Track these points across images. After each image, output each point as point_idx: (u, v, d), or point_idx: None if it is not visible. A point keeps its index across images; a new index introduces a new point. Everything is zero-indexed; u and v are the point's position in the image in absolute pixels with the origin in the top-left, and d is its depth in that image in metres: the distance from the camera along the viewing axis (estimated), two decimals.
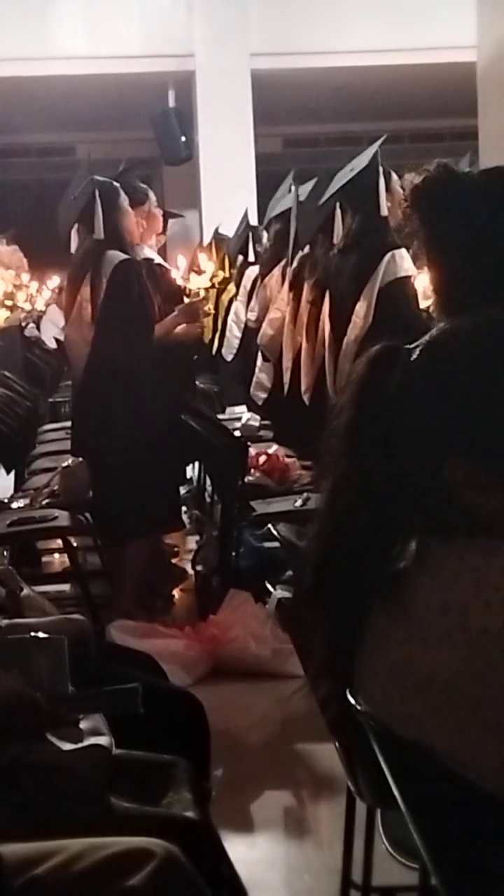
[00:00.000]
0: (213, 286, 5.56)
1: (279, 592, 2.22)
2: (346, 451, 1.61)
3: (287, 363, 5.67)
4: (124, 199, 5.18)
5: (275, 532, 2.76)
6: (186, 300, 5.33)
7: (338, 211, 5.06)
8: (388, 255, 4.67)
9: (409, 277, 4.65)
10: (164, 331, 5.13)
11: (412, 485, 1.60)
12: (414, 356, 1.64)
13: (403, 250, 4.73)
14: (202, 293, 5.37)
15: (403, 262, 4.69)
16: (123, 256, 5.07)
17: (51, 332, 10.84)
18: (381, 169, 4.79)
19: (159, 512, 5.26)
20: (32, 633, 2.37)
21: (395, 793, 1.69)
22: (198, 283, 5.45)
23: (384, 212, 4.78)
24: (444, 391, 1.60)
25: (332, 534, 1.61)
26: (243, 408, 7.12)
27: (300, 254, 5.61)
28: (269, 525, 2.81)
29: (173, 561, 6.15)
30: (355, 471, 1.60)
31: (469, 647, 1.50)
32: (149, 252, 5.39)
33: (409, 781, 1.63)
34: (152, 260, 5.37)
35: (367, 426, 1.61)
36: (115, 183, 5.25)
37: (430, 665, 1.53)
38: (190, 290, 5.49)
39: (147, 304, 5.10)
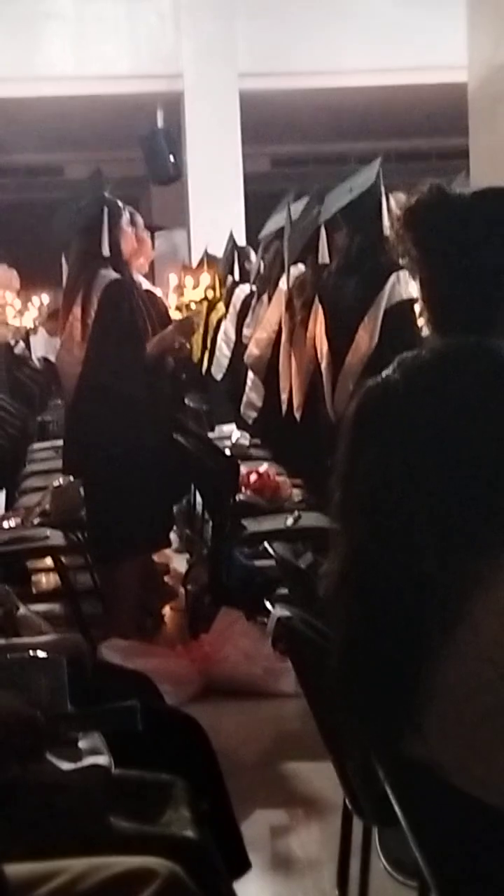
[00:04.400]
0: (205, 299, 5.55)
1: (278, 611, 2.23)
2: (357, 517, 1.65)
3: (284, 383, 5.68)
4: (126, 220, 5.20)
5: (270, 550, 2.77)
6: (176, 318, 5.34)
7: (323, 231, 5.08)
8: (393, 277, 4.69)
9: (413, 300, 4.68)
10: (158, 347, 5.14)
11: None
12: (399, 388, 1.70)
13: (406, 271, 4.75)
14: (194, 306, 5.36)
15: (408, 284, 4.72)
16: (115, 276, 5.08)
17: (39, 350, 10.86)
18: (384, 189, 4.79)
19: (151, 531, 5.26)
20: (31, 653, 2.37)
21: (398, 810, 1.70)
22: (191, 296, 5.43)
23: (387, 232, 4.80)
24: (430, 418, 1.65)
25: (361, 621, 1.65)
26: (232, 426, 7.13)
27: (297, 273, 5.63)
28: (265, 543, 2.81)
29: (163, 580, 6.15)
30: (372, 530, 1.64)
31: (477, 658, 1.52)
32: (138, 277, 5.39)
33: (413, 799, 1.64)
34: (141, 285, 5.37)
35: (372, 478, 1.66)
36: (120, 203, 5.26)
37: (437, 679, 1.55)
38: (182, 305, 5.49)
39: (138, 323, 5.10)
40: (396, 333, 4.59)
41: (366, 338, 4.73)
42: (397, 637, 1.64)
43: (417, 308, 4.61)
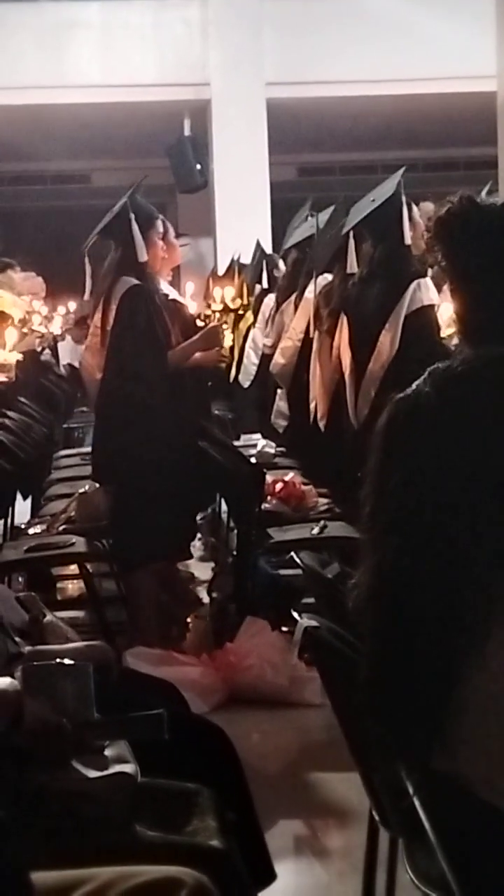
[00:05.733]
0: (230, 310, 5.55)
1: (305, 621, 2.23)
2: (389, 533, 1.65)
3: (314, 392, 5.69)
4: (157, 231, 5.21)
5: (298, 560, 2.76)
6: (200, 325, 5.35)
7: (351, 240, 5.10)
8: (413, 284, 4.72)
9: (433, 305, 4.69)
10: (183, 356, 5.14)
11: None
12: (431, 399, 1.70)
13: (428, 279, 4.77)
14: (218, 316, 5.36)
15: (429, 290, 4.73)
16: (134, 282, 5.08)
17: (65, 357, 10.90)
18: (404, 199, 4.83)
19: (175, 539, 5.26)
20: (58, 660, 2.38)
21: (425, 823, 1.69)
22: (214, 308, 5.45)
23: (408, 241, 4.82)
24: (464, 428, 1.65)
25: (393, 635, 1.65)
26: (258, 435, 7.13)
27: (322, 282, 5.64)
28: (292, 553, 2.81)
29: (188, 588, 6.15)
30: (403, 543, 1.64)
31: None
32: (165, 287, 5.40)
33: (440, 811, 1.63)
34: (168, 295, 5.38)
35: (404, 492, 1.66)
36: (155, 211, 5.28)
37: (465, 693, 1.55)
38: (206, 315, 5.50)
39: (156, 330, 5.10)
40: (417, 339, 4.60)
41: (387, 344, 4.75)
42: (427, 650, 1.64)
43: (439, 313, 4.63)
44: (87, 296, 5.43)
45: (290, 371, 6.15)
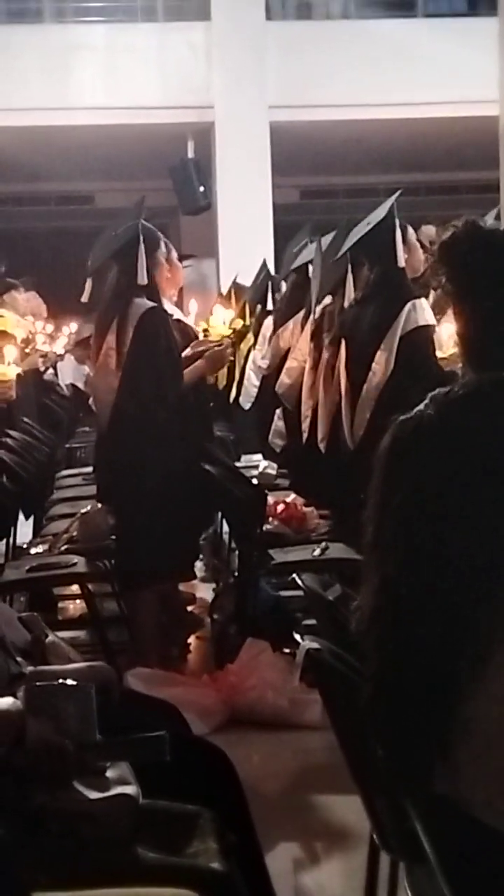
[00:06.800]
0: (232, 332, 5.58)
1: (307, 643, 2.23)
2: (391, 551, 1.66)
3: (306, 412, 5.70)
4: (163, 251, 5.23)
5: (299, 582, 2.77)
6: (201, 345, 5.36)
7: (349, 265, 5.13)
8: (408, 305, 4.75)
9: (429, 326, 4.71)
10: (192, 377, 5.17)
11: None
12: (433, 423, 1.71)
13: (423, 300, 4.81)
14: (225, 341, 5.38)
15: (424, 311, 4.76)
16: (150, 304, 5.10)
17: (67, 377, 10.92)
18: (397, 222, 4.87)
19: (177, 560, 5.26)
20: (60, 681, 2.38)
21: (426, 846, 1.69)
22: (219, 332, 5.46)
23: (401, 263, 4.86)
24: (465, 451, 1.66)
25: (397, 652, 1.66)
26: (259, 456, 7.14)
27: (321, 305, 5.66)
28: (294, 575, 2.81)
29: (189, 609, 6.15)
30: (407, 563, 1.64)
31: None
32: (169, 307, 5.42)
33: (441, 834, 1.63)
34: (173, 315, 5.40)
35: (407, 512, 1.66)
36: (159, 233, 5.30)
37: (467, 715, 1.55)
38: (209, 336, 5.51)
39: (175, 352, 5.12)
40: (412, 360, 4.62)
41: (382, 365, 4.76)
42: (429, 672, 1.64)
43: (437, 335, 4.65)
44: (85, 297, 5.42)
45: (297, 391, 6.17)
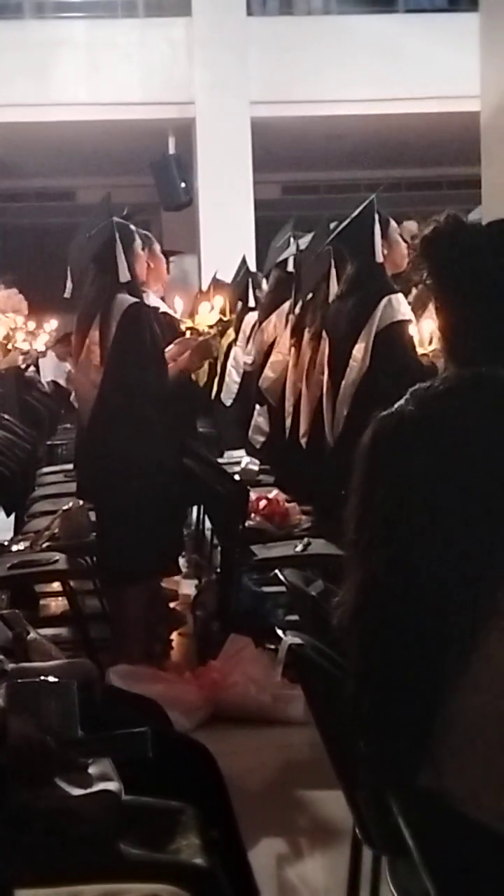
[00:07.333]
0: (220, 321, 5.55)
1: (290, 638, 2.23)
2: (379, 541, 1.66)
3: (288, 408, 5.70)
4: (139, 244, 5.21)
5: (282, 578, 2.77)
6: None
7: (331, 260, 5.13)
8: (384, 300, 4.74)
9: (405, 321, 4.70)
10: (178, 370, 5.15)
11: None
12: (414, 418, 1.71)
13: (400, 295, 4.81)
14: (211, 332, 5.35)
15: (400, 306, 4.76)
16: (133, 300, 5.07)
17: (48, 374, 10.90)
18: (376, 217, 4.87)
19: (161, 556, 5.25)
20: (42, 678, 2.37)
21: (409, 840, 1.69)
22: (207, 321, 5.42)
23: (379, 258, 4.86)
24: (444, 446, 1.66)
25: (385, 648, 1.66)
26: (242, 452, 7.14)
27: (303, 301, 5.66)
28: (276, 570, 2.81)
29: (171, 605, 6.14)
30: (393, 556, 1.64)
31: (491, 689, 1.52)
32: (154, 300, 5.39)
33: (424, 829, 1.63)
34: (158, 308, 5.38)
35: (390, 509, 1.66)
36: (133, 227, 5.27)
37: (451, 709, 1.55)
38: (195, 329, 5.49)
39: (159, 347, 5.10)
40: (388, 354, 4.60)
41: (359, 360, 4.75)
42: (412, 667, 1.64)
43: (419, 329, 4.65)
44: (67, 293, 5.40)
45: (280, 385, 6.16)
